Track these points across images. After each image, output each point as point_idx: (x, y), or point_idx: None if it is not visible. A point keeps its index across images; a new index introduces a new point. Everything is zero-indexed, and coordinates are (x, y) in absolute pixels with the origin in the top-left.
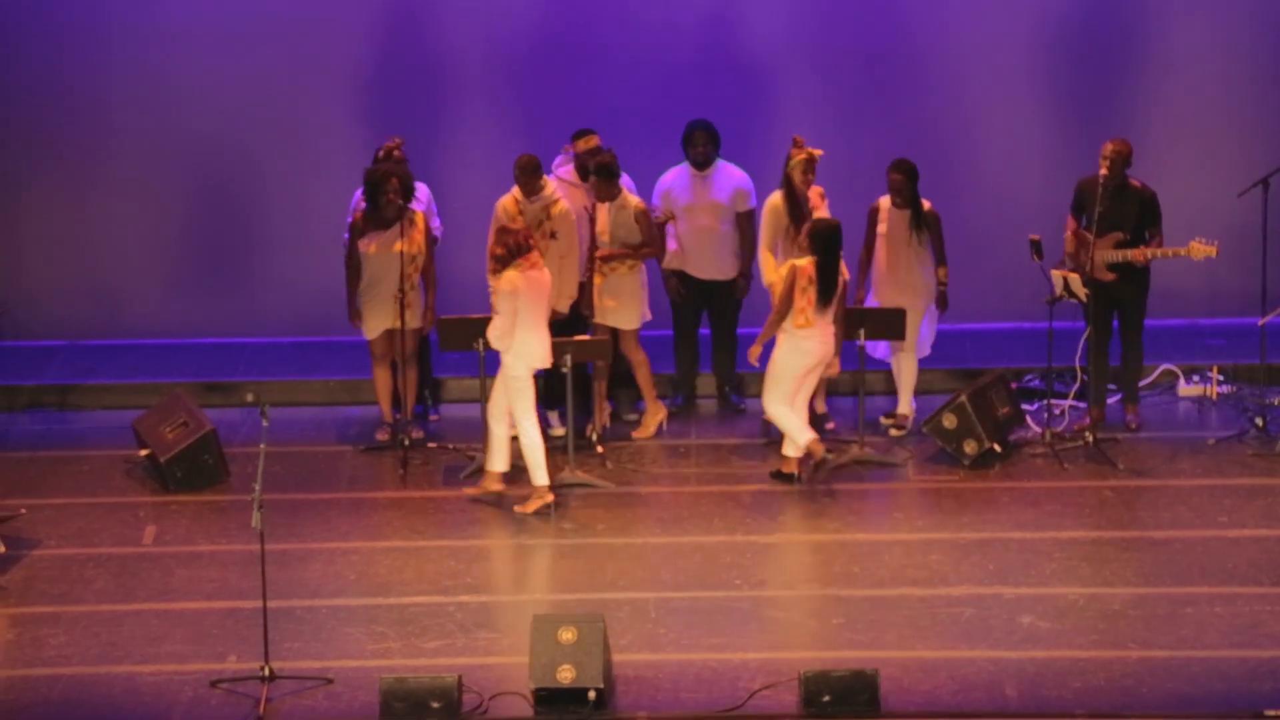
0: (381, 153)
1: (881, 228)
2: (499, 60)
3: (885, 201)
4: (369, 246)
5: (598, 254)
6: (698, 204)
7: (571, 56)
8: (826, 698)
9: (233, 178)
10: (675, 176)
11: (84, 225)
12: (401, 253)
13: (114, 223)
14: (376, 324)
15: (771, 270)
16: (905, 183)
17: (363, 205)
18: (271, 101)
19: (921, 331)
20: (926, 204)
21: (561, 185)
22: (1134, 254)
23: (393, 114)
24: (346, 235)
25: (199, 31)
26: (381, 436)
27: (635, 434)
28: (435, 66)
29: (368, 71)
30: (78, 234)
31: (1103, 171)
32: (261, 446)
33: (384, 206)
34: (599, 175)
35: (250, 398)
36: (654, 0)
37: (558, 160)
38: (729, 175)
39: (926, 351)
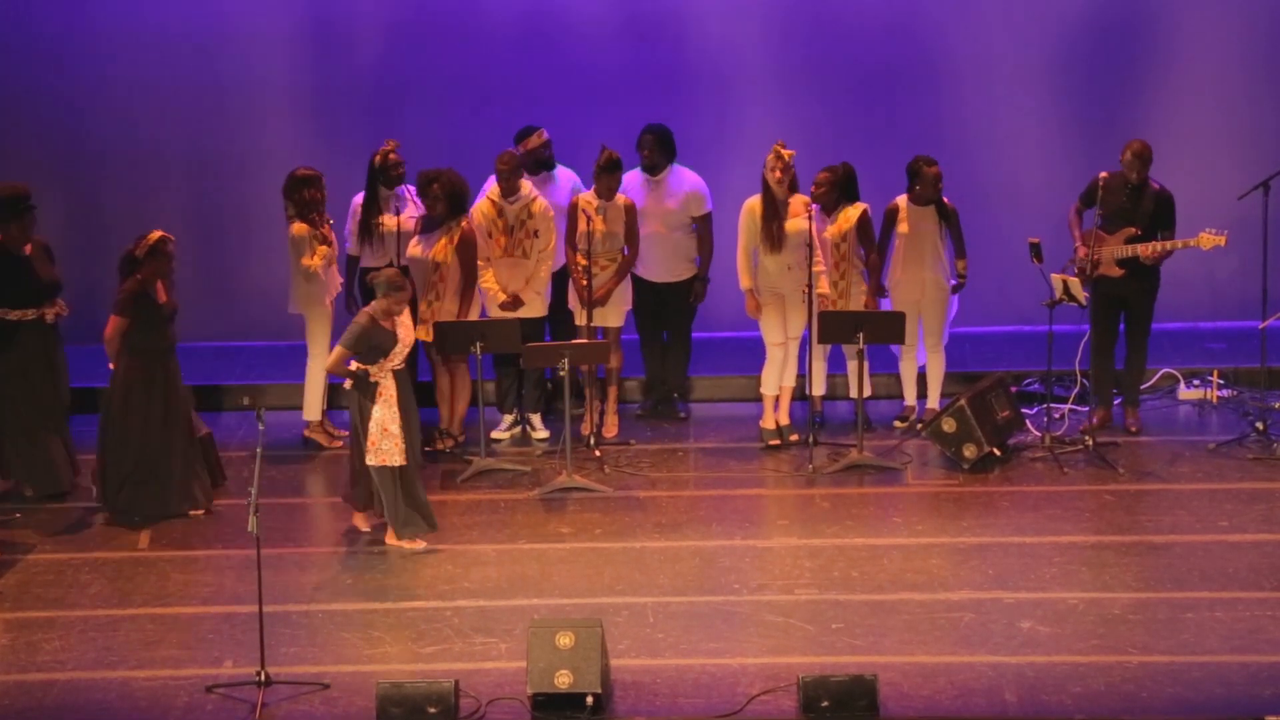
0: (379, 158)
1: (902, 227)
2: (489, 64)
3: (903, 201)
4: (414, 249)
5: (579, 259)
6: (648, 209)
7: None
8: (825, 703)
9: (229, 182)
10: (629, 180)
11: (79, 229)
12: (428, 259)
13: (109, 226)
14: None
15: (747, 275)
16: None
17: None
18: (268, 106)
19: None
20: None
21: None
22: (1142, 248)
23: (390, 118)
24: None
25: (196, 38)
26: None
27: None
28: (428, 72)
29: (365, 76)
30: (72, 238)
31: (1134, 175)
32: (258, 450)
33: (428, 210)
34: (608, 171)
35: (246, 402)
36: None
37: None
38: (681, 180)
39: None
